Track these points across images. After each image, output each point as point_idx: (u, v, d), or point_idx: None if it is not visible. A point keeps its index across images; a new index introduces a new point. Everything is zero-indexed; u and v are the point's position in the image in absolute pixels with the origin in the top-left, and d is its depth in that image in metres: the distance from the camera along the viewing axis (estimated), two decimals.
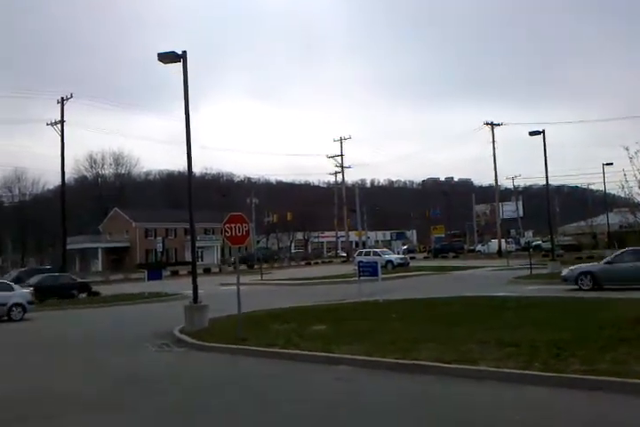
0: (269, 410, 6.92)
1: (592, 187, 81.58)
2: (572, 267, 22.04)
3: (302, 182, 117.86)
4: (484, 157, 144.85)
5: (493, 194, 64.93)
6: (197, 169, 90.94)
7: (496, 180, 61.59)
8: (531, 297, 17.35)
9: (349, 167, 70.01)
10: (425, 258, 62.08)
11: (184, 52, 14.95)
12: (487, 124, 58.69)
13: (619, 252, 21.53)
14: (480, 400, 6.95)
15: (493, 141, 58.91)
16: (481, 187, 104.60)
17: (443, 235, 77.68)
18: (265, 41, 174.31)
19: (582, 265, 22.66)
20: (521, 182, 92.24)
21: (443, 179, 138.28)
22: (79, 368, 10.43)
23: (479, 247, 67.49)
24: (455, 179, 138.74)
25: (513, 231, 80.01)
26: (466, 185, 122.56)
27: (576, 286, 19.78)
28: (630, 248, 21.39)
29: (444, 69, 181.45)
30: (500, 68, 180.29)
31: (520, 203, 77.55)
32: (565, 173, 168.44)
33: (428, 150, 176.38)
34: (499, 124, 58.67)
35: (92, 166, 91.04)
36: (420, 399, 7.14)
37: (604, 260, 21.04)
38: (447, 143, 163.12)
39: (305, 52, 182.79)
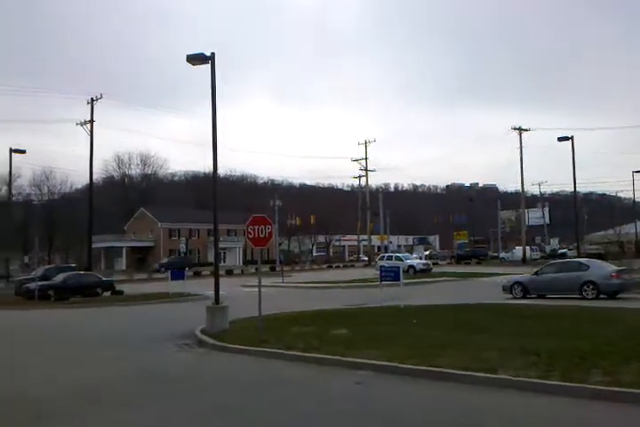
0: (287, 413, 6.95)
1: (621, 195, 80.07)
2: (509, 278, 24.02)
3: (326, 185, 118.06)
4: (510, 163, 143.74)
5: (519, 200, 64.12)
6: (222, 171, 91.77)
7: (522, 186, 60.82)
8: (554, 306, 17.09)
9: (373, 171, 69.96)
10: (448, 264, 61.56)
11: (212, 53, 15.10)
12: (515, 129, 58.02)
13: (544, 264, 23.62)
14: (499, 409, 6.88)
15: (521, 147, 58.20)
16: (506, 193, 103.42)
17: (466, 241, 76.98)
18: (290, 43, 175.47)
19: (515, 276, 24.49)
20: (547, 189, 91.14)
21: (467, 184, 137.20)
22: (99, 367, 10.57)
23: (503, 254, 66.64)
24: (480, 184, 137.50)
25: (538, 239, 78.93)
26: (491, 191, 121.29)
27: (511, 295, 21.21)
28: (552, 261, 23.88)
29: (474, 73, 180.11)
30: (530, 71, 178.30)
31: (546, 210, 76.47)
32: (594, 180, 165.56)
33: (452, 155, 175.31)
34: (527, 130, 57.97)
35: (119, 166, 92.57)
36: (438, 407, 7.11)
37: (534, 271, 22.66)
38: (473, 148, 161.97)
39: (330, 55, 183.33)
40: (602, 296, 19.30)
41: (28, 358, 11.80)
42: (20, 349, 13.10)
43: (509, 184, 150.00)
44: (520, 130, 58.30)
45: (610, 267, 20.94)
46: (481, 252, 68.26)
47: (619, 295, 19.52)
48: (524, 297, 20.67)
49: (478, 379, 8.00)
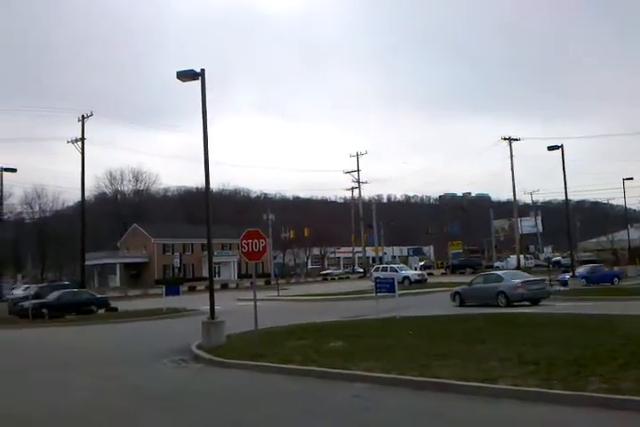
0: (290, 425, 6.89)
1: (612, 202, 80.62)
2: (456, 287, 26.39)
3: (319, 198, 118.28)
4: (501, 172, 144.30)
5: (512, 209, 64.42)
6: (214, 185, 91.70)
7: (514, 195, 61.12)
8: (551, 314, 17.11)
9: (366, 182, 70.22)
10: (442, 274, 61.54)
11: (202, 70, 15.20)
12: (505, 139, 58.47)
13: (476, 276, 26.42)
14: (499, 419, 6.85)
15: (512, 156, 58.59)
16: (499, 202, 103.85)
17: (460, 250, 77.03)
18: (278, 56, 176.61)
19: (457, 287, 26.64)
20: (540, 197, 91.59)
21: (460, 194, 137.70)
22: (94, 385, 10.46)
23: (497, 263, 66.71)
24: (473, 194, 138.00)
25: (532, 247, 79.15)
26: (483, 200, 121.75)
27: (455, 303, 23.88)
28: (482, 273, 26.63)
29: (460, 83, 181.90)
30: (517, 82, 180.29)
31: (539, 218, 76.80)
32: (585, 188, 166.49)
33: (444, 165, 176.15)
34: (517, 140, 58.42)
35: (111, 183, 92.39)
36: (437, 417, 7.06)
37: (468, 282, 25.26)
38: (464, 158, 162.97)
39: (318, 67, 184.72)
40: (515, 304, 21.65)
41: (19, 377, 11.65)
42: (11, 368, 12.93)
43: (502, 193, 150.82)
44: (510, 139, 58.76)
45: (521, 278, 23.14)
46: (475, 261, 68.28)
47: (530, 303, 21.87)
48: (461, 305, 23.38)
49: (477, 389, 7.96)
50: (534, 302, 22.11)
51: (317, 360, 10.59)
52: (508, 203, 74.70)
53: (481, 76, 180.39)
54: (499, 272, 26.88)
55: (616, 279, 33.55)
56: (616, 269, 39.49)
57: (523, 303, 21.87)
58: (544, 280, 25.33)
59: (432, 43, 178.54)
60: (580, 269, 34.64)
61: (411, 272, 45.95)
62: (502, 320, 15.72)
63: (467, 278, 46.70)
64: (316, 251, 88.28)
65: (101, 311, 28.47)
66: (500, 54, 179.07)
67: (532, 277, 23.93)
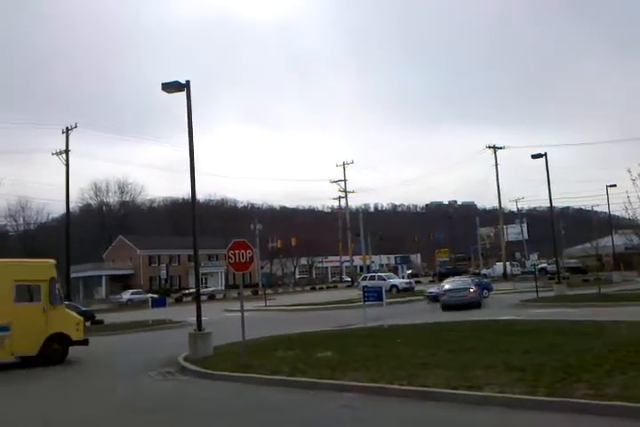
0: None
1: (596, 209, 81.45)
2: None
3: (306, 208, 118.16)
4: (486, 180, 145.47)
5: (497, 217, 64.90)
6: (201, 196, 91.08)
7: (499, 202, 61.67)
8: (537, 321, 17.20)
9: (352, 192, 70.39)
10: (430, 282, 61.66)
11: (187, 81, 15.23)
12: (489, 147, 59.05)
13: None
14: (487, 426, 6.87)
15: (496, 165, 59.19)
16: (485, 210, 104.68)
17: (447, 258, 77.35)
18: (261, 66, 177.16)
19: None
20: (525, 205, 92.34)
21: (446, 202, 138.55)
22: (81, 398, 10.35)
23: (484, 271, 67.04)
24: (459, 202, 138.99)
25: (518, 254, 79.65)
26: (469, 208, 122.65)
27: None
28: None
29: (446, 92, 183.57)
30: (501, 91, 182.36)
31: (525, 225, 77.35)
32: (569, 195, 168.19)
33: (430, 174, 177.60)
34: (501, 148, 59.06)
35: (96, 195, 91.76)
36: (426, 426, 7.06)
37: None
38: (450, 167, 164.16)
39: (303, 77, 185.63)
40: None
41: (6, 390, 11.47)
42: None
43: (487, 201, 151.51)
44: (495, 148, 59.36)
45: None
46: (462, 269, 68.65)
47: None
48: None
49: (464, 397, 7.98)
50: (461, 308, 24.30)
51: (305, 371, 10.55)
52: (493, 210, 75.34)
53: (465, 85, 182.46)
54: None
55: (486, 291, 30.53)
56: (603, 273, 39.01)
57: (501, 311, 22.32)
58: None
59: (415, 52, 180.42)
60: (445, 285, 28.01)
61: (398, 281, 46.03)
62: (488, 327, 15.79)
63: None
64: (303, 260, 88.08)
65: (87, 324, 28.08)
66: (484, 63, 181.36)
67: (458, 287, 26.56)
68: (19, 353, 14.36)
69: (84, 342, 15.47)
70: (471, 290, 26.12)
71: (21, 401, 10.45)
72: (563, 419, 6.92)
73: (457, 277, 33.98)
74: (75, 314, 16.38)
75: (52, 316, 14.58)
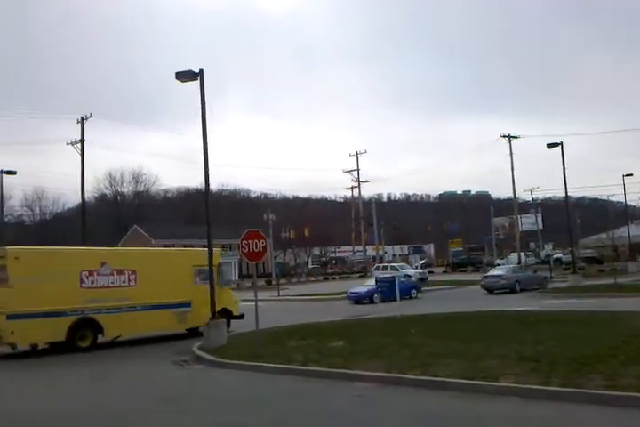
0: None
1: (612, 198, 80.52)
2: None
3: (319, 197, 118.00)
4: (501, 170, 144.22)
5: (512, 206, 64.37)
6: (214, 186, 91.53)
7: (514, 192, 61.01)
8: (551, 311, 17.13)
9: (366, 182, 70.00)
10: (444, 272, 61.57)
11: (201, 70, 15.22)
12: (504, 136, 58.40)
13: None
14: (500, 417, 6.87)
15: (511, 154, 58.43)
16: (499, 199, 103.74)
17: (460, 248, 77.00)
18: (274, 55, 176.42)
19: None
20: (540, 194, 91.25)
21: (460, 192, 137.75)
22: (99, 387, 10.49)
23: (498, 261, 66.67)
24: (472, 192, 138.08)
25: (532, 244, 79.13)
26: (483, 198, 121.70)
27: None
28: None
29: (459, 81, 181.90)
30: (515, 80, 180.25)
31: (539, 215, 76.70)
32: (585, 185, 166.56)
33: (444, 164, 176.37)
34: (516, 137, 58.25)
35: (111, 184, 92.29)
36: (441, 417, 7.08)
37: None
38: (464, 157, 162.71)
39: (316, 67, 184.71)
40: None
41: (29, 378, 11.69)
42: (19, 368, 12.97)
43: (502, 191, 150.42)
44: (509, 137, 58.68)
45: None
46: (476, 259, 68.29)
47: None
48: None
49: (478, 387, 7.99)
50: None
51: (319, 360, 10.61)
52: (507, 200, 74.69)
53: (479, 74, 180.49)
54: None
55: (414, 292, 28.89)
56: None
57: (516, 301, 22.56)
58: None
59: (428, 41, 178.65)
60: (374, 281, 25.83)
61: (412, 271, 45.94)
62: (502, 318, 15.75)
63: (468, 276, 46.90)
64: (316, 250, 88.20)
65: None
66: (497, 52, 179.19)
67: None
68: (195, 325, 16.69)
69: (241, 317, 17.90)
70: (503, 277, 29.37)
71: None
72: (577, 409, 6.90)
73: (499, 266, 38.75)
74: (234, 294, 19.07)
75: (219, 294, 16.22)
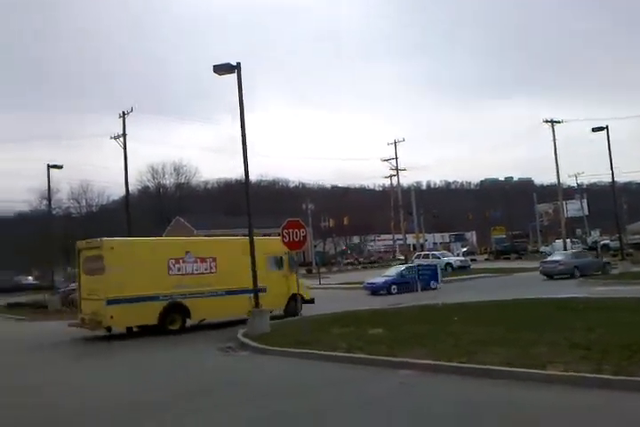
0: (338, 416, 6.91)
1: None
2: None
3: (357, 186, 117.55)
4: (544, 156, 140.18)
5: (555, 192, 62.76)
6: (253, 176, 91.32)
7: (558, 178, 59.35)
8: (601, 298, 16.69)
9: (404, 170, 69.22)
10: (486, 260, 60.67)
11: (238, 63, 15.32)
12: (547, 121, 56.82)
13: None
14: (549, 406, 6.74)
15: (554, 139, 56.75)
16: (542, 186, 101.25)
17: (503, 236, 75.65)
18: (310, 45, 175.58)
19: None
20: (585, 180, 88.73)
21: (502, 179, 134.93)
22: (147, 374, 10.76)
23: (543, 248, 65.23)
24: (515, 178, 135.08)
25: (579, 231, 77.10)
26: (526, 184, 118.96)
27: None
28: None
29: (502, 66, 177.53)
30: (556, 65, 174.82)
31: (585, 201, 74.57)
32: (633, 170, 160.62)
33: (484, 151, 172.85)
34: (559, 122, 56.58)
35: (153, 177, 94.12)
36: (485, 404, 6.99)
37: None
38: (505, 143, 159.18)
39: (353, 55, 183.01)
40: None
41: (73, 366, 12.11)
42: (70, 356, 13.46)
43: (545, 177, 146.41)
44: (552, 122, 57.06)
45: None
46: (520, 246, 66.89)
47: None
48: None
49: (526, 375, 7.85)
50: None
51: (362, 348, 10.62)
52: (551, 186, 72.74)
53: (519, 58, 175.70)
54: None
55: (433, 282, 23.69)
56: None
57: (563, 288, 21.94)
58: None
59: (469, 26, 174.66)
60: (392, 271, 27.93)
61: (453, 258, 45.46)
62: (549, 305, 15.42)
63: (512, 264, 46.07)
64: (355, 239, 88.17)
65: None
66: (537, 37, 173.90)
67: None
68: (272, 310, 17.07)
69: (312, 301, 19.23)
70: (560, 263, 29.03)
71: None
72: (629, 398, 6.72)
73: (558, 252, 36.71)
74: (302, 279, 20.07)
75: (290, 280, 18.17)
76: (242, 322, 15.12)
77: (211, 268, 17.06)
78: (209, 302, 16.51)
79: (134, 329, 16.62)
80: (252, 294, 14.96)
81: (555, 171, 59.64)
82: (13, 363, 12.71)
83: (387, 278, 26.87)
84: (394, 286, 25.79)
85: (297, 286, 17.11)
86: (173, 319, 16.30)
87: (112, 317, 15.21)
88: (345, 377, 9.10)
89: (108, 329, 16.05)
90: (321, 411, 7.11)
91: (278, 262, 18.56)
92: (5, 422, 7.50)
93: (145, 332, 16.26)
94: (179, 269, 16.54)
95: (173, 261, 16.48)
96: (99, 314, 15.41)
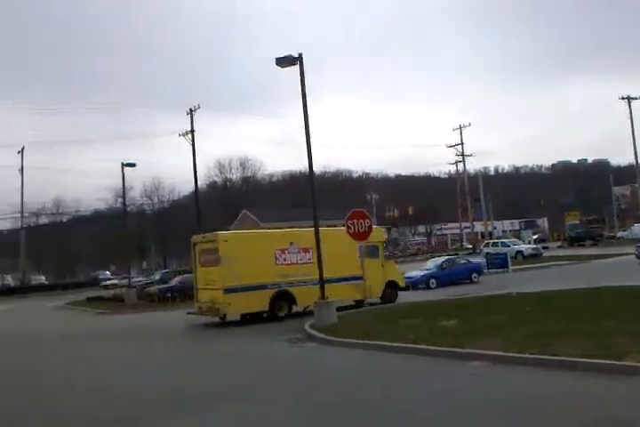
0: (408, 407, 6.88)
1: None
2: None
3: (422, 174, 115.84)
4: (620, 136, 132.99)
5: (634, 174, 59.47)
6: (316, 168, 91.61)
7: (636, 158, 56.33)
8: None
9: (470, 155, 67.62)
10: (559, 247, 58.35)
11: (300, 55, 15.39)
12: (623, 98, 53.86)
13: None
14: (623, 395, 6.45)
15: (631, 117, 53.89)
16: (619, 167, 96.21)
17: (578, 221, 72.57)
18: (370, 31, 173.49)
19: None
20: None
21: (575, 161, 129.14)
22: (221, 362, 11.11)
23: (621, 233, 62.11)
24: (589, 160, 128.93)
25: None
26: (602, 166, 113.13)
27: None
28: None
29: (566, 43, 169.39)
30: (629, 41, 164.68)
31: None
32: None
33: (555, 132, 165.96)
34: (635, 98, 53.60)
35: (220, 172, 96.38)
36: (559, 397, 6.75)
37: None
38: (577, 123, 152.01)
39: (414, 41, 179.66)
40: None
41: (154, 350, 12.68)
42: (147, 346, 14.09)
43: (621, 158, 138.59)
44: (629, 99, 54.02)
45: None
46: (596, 232, 63.71)
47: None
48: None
49: (602, 366, 7.53)
50: None
51: (430, 339, 10.50)
52: (629, 167, 69.02)
53: (588, 36, 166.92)
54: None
55: (475, 275, 25.99)
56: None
57: None
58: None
59: (536, 7, 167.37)
60: (430, 264, 27.82)
61: (524, 246, 44.01)
62: (630, 294, 14.66)
63: (587, 251, 44.03)
64: (421, 228, 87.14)
65: None
66: (609, 10, 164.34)
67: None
68: (370, 297, 18.58)
69: (407, 288, 20.30)
70: None
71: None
72: None
73: None
74: (397, 267, 21.37)
75: (386, 268, 19.33)
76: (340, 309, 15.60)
77: (312, 258, 17.45)
78: (312, 290, 16.65)
79: (247, 317, 17.47)
80: (350, 282, 15.69)
81: (632, 151, 56.42)
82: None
83: (425, 272, 26.09)
84: (432, 280, 25.07)
85: (394, 274, 17.28)
86: (281, 306, 17.21)
87: (229, 304, 16.30)
88: (411, 368, 9.06)
89: (222, 318, 17.04)
90: (395, 398, 7.12)
91: (374, 251, 18.98)
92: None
93: (244, 321, 17.32)
94: (284, 260, 17.58)
95: (279, 251, 17.52)
96: (217, 302, 16.52)
